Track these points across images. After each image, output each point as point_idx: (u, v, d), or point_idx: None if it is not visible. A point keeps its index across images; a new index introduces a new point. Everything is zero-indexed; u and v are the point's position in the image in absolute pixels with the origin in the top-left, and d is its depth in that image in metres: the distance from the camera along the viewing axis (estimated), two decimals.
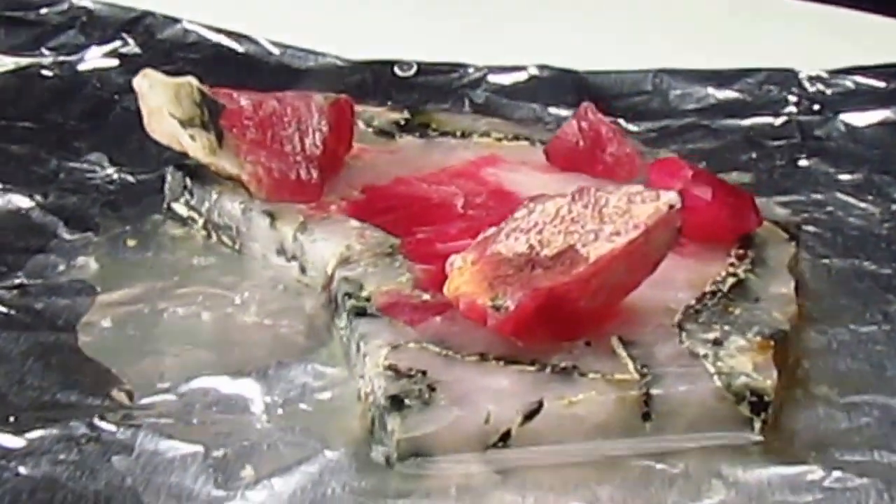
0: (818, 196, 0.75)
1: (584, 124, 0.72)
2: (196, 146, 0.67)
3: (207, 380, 0.59)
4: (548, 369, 0.57)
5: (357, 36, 0.90)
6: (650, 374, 0.57)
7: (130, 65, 0.82)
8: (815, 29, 0.94)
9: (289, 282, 0.66)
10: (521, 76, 0.86)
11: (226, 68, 0.85)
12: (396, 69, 0.86)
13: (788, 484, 0.55)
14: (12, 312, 0.63)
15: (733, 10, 0.97)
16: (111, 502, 0.53)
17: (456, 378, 0.57)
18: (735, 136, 0.81)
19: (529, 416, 0.56)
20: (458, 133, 0.75)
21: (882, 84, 0.85)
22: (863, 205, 0.74)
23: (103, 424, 0.57)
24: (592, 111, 0.72)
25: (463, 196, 0.69)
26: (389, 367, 0.57)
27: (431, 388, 0.56)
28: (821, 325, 0.65)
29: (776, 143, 0.80)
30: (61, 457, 0.55)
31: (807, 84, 0.86)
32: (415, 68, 0.86)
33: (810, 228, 0.72)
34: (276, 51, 0.87)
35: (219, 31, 0.88)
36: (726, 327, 0.60)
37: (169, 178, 0.70)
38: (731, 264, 0.64)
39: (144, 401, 0.58)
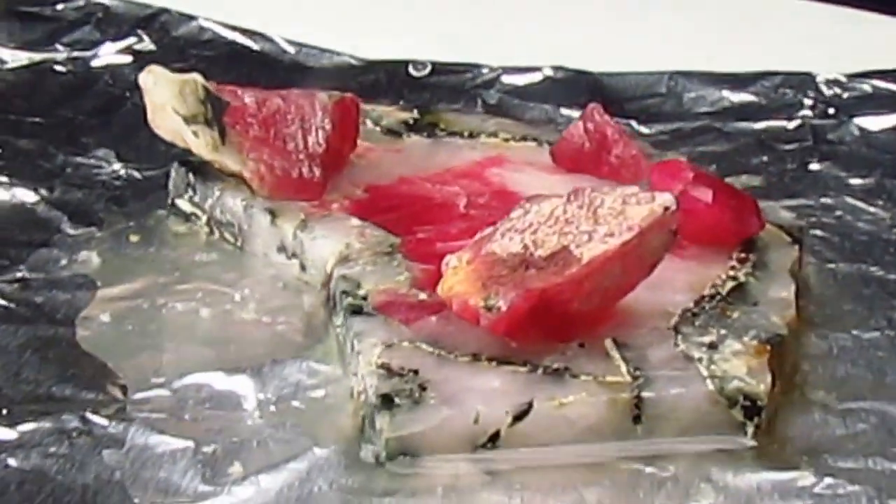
0: (827, 200, 0.74)
1: (590, 125, 0.71)
2: (199, 143, 0.67)
3: (202, 376, 0.59)
4: (539, 370, 0.57)
5: (373, 35, 0.90)
6: (642, 377, 0.56)
7: (144, 61, 0.82)
8: (838, 32, 0.93)
9: (289, 279, 0.66)
10: (535, 77, 0.86)
11: (240, 66, 0.86)
12: (411, 69, 0.86)
13: (778, 490, 0.55)
14: (12, 306, 0.63)
15: (754, 12, 0.96)
16: (98, 496, 0.53)
17: (447, 378, 0.56)
18: (747, 140, 0.81)
19: (519, 416, 0.55)
20: (466, 133, 0.75)
21: None
22: (872, 209, 0.73)
23: (95, 418, 0.57)
24: (599, 112, 0.72)
25: (466, 196, 0.69)
26: (382, 366, 0.57)
27: (422, 388, 0.56)
28: (823, 329, 0.64)
29: (788, 146, 0.80)
30: (52, 449, 0.55)
31: (824, 87, 0.85)
32: (429, 68, 0.86)
33: (818, 233, 0.71)
34: (290, 49, 0.87)
35: (234, 28, 0.88)
36: (723, 331, 0.59)
37: (173, 174, 0.70)
38: (732, 267, 0.64)
39: (138, 395, 0.58)
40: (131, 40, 0.87)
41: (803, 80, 0.85)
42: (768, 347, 0.58)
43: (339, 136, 0.69)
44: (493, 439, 0.55)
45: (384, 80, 0.86)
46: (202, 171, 0.69)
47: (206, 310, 0.64)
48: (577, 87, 0.85)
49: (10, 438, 0.56)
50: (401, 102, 0.81)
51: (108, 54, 0.85)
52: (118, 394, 0.58)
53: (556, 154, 0.72)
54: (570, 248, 0.57)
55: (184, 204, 0.70)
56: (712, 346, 0.58)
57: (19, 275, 0.65)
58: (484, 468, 0.55)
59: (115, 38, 0.86)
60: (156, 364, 0.60)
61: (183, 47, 0.87)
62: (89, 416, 0.57)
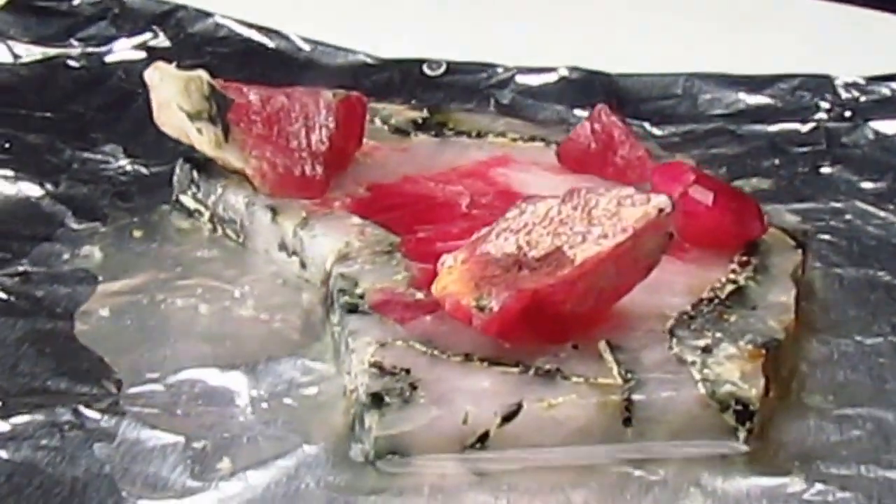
0: (837, 204, 0.74)
1: (597, 126, 0.71)
2: (203, 140, 0.67)
3: (196, 371, 0.60)
4: (531, 371, 0.56)
5: (390, 34, 0.90)
6: (634, 379, 0.56)
7: (158, 58, 0.82)
8: (860, 34, 0.92)
9: (289, 277, 0.66)
10: (550, 77, 0.86)
11: (254, 63, 0.86)
12: (425, 68, 0.86)
13: (767, 495, 0.54)
14: (12, 299, 0.64)
15: (776, 14, 0.96)
16: (87, 489, 0.54)
17: (438, 378, 0.56)
18: (760, 142, 0.80)
19: (508, 417, 0.55)
20: (474, 133, 0.75)
21: None
22: (882, 214, 0.73)
23: (88, 412, 0.57)
24: (606, 113, 0.71)
25: (469, 196, 0.69)
26: (374, 365, 0.57)
27: (413, 387, 0.56)
28: (824, 335, 0.64)
29: (801, 149, 0.79)
30: (43, 442, 0.56)
31: (841, 91, 0.84)
32: (444, 67, 0.86)
33: (825, 237, 0.71)
34: (306, 47, 0.88)
35: (250, 25, 0.88)
36: (718, 334, 0.59)
37: (178, 170, 0.70)
38: (733, 271, 0.63)
39: (132, 390, 0.59)
40: (146, 36, 0.87)
41: (821, 83, 0.85)
42: (763, 352, 0.58)
43: (343, 134, 0.69)
44: (482, 440, 0.55)
45: (398, 78, 0.86)
46: (206, 167, 0.69)
47: (205, 306, 0.64)
48: (591, 87, 0.85)
49: (3, 431, 0.56)
50: (413, 101, 0.81)
51: (123, 50, 0.86)
52: (112, 388, 0.59)
53: (562, 154, 0.72)
54: (563, 249, 0.57)
55: (188, 200, 0.70)
56: (707, 350, 0.58)
57: (21, 268, 0.66)
58: (473, 468, 0.55)
59: (130, 34, 0.87)
60: (152, 359, 0.60)
61: (198, 44, 0.87)
62: (82, 409, 0.57)
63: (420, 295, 0.61)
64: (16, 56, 0.84)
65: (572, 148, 0.71)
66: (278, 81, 0.74)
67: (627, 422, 0.56)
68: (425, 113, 0.77)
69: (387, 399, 0.55)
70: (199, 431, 0.56)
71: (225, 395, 0.59)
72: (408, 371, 0.57)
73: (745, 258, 0.64)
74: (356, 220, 0.66)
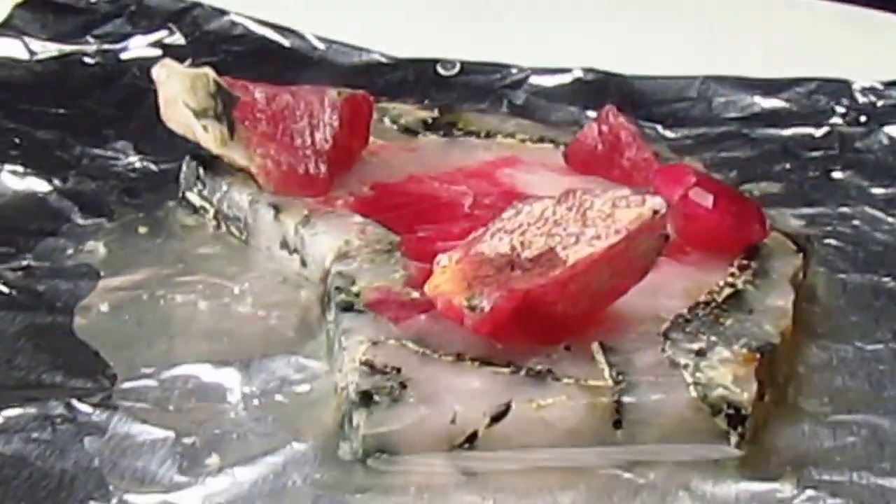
0: (846, 209, 0.73)
1: (604, 127, 0.71)
2: (208, 137, 0.68)
3: (190, 367, 0.60)
4: (522, 372, 0.56)
5: (404, 33, 0.90)
6: (625, 382, 0.56)
7: (173, 56, 0.83)
8: (879, 38, 0.92)
9: (289, 275, 0.66)
10: (564, 78, 0.85)
11: (269, 62, 0.86)
12: (439, 68, 0.86)
13: (758, 500, 0.54)
14: (13, 293, 0.64)
15: (795, 17, 0.95)
16: (75, 482, 0.54)
17: (429, 377, 0.56)
18: (772, 146, 0.79)
19: (497, 418, 0.55)
20: (483, 133, 0.75)
21: None
22: (891, 220, 0.72)
23: (80, 406, 0.57)
24: (614, 114, 0.71)
25: (472, 196, 0.68)
26: (365, 363, 0.57)
27: (403, 386, 0.56)
28: (824, 340, 0.63)
29: (813, 154, 0.78)
30: (34, 435, 0.56)
31: (858, 95, 0.83)
32: (458, 67, 0.86)
33: (832, 242, 0.70)
34: (321, 46, 0.88)
35: (265, 24, 0.88)
36: (713, 338, 0.58)
37: (184, 167, 0.71)
38: (732, 274, 0.63)
39: (125, 385, 0.59)
40: (162, 34, 0.87)
41: (838, 87, 0.84)
42: (758, 356, 0.58)
43: (348, 133, 0.69)
44: (471, 440, 0.55)
45: (412, 78, 0.86)
46: (212, 165, 0.70)
47: (205, 302, 0.64)
48: (606, 89, 0.85)
49: None
50: (426, 101, 0.81)
51: (138, 47, 0.86)
52: (106, 383, 0.59)
53: (569, 155, 0.71)
54: (556, 249, 0.57)
55: (193, 197, 0.70)
56: (700, 353, 0.58)
57: (24, 263, 0.66)
58: (461, 468, 0.55)
59: (146, 32, 0.87)
60: (147, 354, 0.61)
61: (213, 42, 0.87)
62: (75, 403, 0.57)
63: (416, 294, 0.61)
64: (32, 53, 0.84)
65: (579, 149, 0.71)
66: (292, 80, 0.75)
67: (617, 424, 0.55)
68: (435, 113, 0.77)
69: (376, 397, 0.55)
70: (190, 427, 0.57)
71: (217, 392, 0.59)
72: (398, 370, 0.57)
73: (745, 262, 0.64)
74: (358, 218, 0.66)
